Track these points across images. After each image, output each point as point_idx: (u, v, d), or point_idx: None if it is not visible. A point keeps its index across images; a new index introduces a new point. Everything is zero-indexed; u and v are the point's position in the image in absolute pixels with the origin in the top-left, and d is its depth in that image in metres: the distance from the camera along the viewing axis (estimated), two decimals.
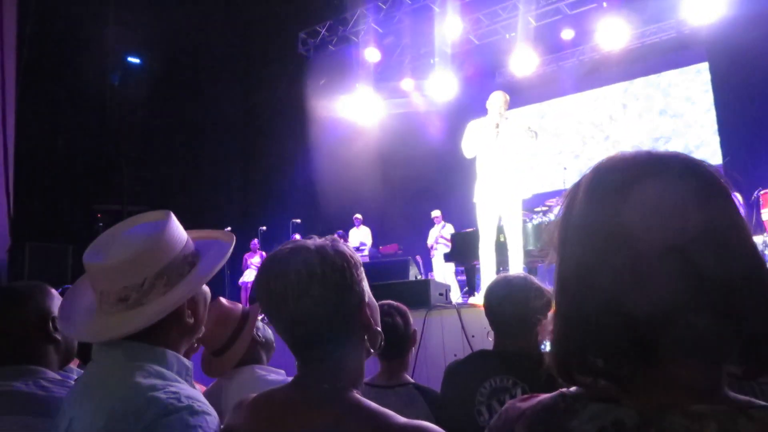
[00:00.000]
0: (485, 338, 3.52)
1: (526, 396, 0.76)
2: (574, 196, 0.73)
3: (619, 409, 0.65)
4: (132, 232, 1.23)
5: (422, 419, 1.97)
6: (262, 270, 1.06)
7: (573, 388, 0.71)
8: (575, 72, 11.50)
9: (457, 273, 9.06)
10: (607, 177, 0.71)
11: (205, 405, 1.08)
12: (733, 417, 0.61)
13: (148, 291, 1.16)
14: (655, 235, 0.63)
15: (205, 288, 1.30)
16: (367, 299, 1.09)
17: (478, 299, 5.06)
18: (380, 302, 1.47)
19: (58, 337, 1.55)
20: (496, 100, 5.08)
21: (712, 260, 0.62)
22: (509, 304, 1.95)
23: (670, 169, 0.67)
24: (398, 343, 2.11)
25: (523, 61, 10.31)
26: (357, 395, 1.03)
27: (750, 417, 0.61)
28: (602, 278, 0.66)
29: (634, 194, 0.66)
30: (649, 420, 0.63)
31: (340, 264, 1.03)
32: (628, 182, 0.67)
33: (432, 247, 9.93)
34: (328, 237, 1.10)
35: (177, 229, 1.25)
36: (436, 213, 10.03)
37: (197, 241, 1.32)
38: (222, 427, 1.09)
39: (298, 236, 10.19)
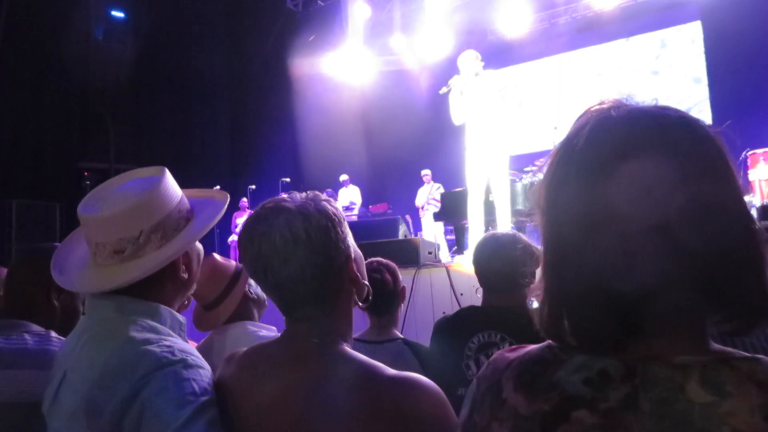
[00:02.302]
0: (474, 296, 3.57)
1: (514, 347, 0.77)
2: (563, 158, 0.72)
3: (605, 360, 0.66)
4: (128, 186, 1.23)
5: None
6: (244, 234, 1.05)
7: None
8: (568, 30, 11.35)
9: (446, 233, 9.11)
10: (594, 150, 0.68)
11: (199, 359, 1.10)
12: (716, 367, 0.62)
13: (144, 244, 1.16)
14: (639, 214, 0.63)
15: (199, 245, 1.31)
16: (353, 255, 1.09)
17: (467, 258, 5.11)
18: (369, 259, 1.48)
19: (56, 303, 1.56)
20: (465, 58, 5.07)
21: (697, 239, 0.62)
22: (497, 261, 1.97)
23: (658, 143, 0.65)
24: (387, 298, 2.14)
25: (516, 18, 10.16)
26: (346, 348, 1.04)
27: (732, 367, 0.62)
28: (586, 257, 0.66)
29: (618, 172, 0.64)
30: (633, 371, 0.64)
31: (324, 224, 1.03)
32: (613, 159, 0.66)
33: (422, 207, 9.93)
34: (309, 193, 1.09)
35: (172, 185, 1.25)
36: (425, 172, 10.01)
37: (192, 199, 1.32)
38: (214, 379, 1.11)
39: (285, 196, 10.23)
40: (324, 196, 1.10)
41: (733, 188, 0.65)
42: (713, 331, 0.67)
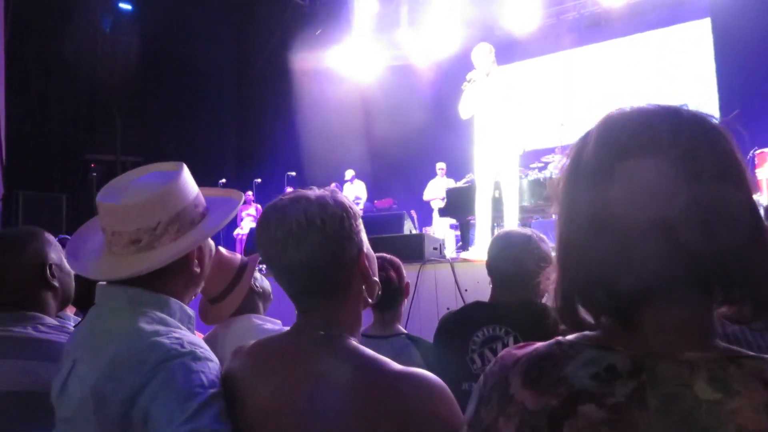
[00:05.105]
0: (478, 292, 3.57)
1: (522, 344, 0.78)
2: (575, 156, 0.73)
3: (613, 355, 0.67)
4: (147, 178, 1.25)
5: (415, 367, 2.01)
6: (262, 218, 1.07)
7: (569, 336, 0.73)
8: (575, 26, 11.30)
9: (452, 227, 9.07)
10: (601, 148, 0.69)
11: (208, 351, 1.11)
12: (723, 365, 0.62)
13: (160, 235, 1.18)
14: (641, 212, 0.63)
15: (210, 241, 1.33)
16: (365, 250, 1.10)
17: (472, 254, 5.12)
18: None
19: (56, 283, 1.57)
20: (478, 52, 5.04)
21: (699, 237, 0.62)
22: (508, 260, 1.97)
23: (665, 141, 0.65)
24: (392, 295, 2.15)
25: (523, 13, 10.13)
26: (353, 342, 1.05)
27: (739, 365, 0.62)
28: (589, 255, 0.67)
29: (622, 170, 0.65)
30: (641, 366, 0.65)
31: (339, 214, 1.05)
32: (617, 157, 0.67)
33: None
34: (328, 188, 1.11)
35: (190, 181, 1.28)
36: (441, 165, 9.75)
37: (207, 197, 1.34)
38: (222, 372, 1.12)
39: (291, 190, 10.19)
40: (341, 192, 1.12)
41: (742, 187, 0.65)
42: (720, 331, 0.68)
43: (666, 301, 0.65)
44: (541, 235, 2.09)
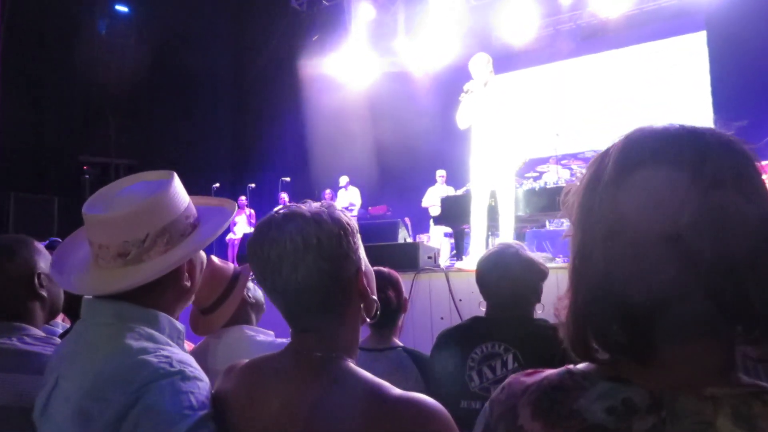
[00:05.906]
0: (472, 302, 3.54)
1: (530, 371, 0.74)
2: (596, 171, 0.70)
3: (630, 388, 0.63)
4: (135, 188, 1.19)
5: (412, 381, 1.98)
6: (255, 237, 1.02)
7: (580, 365, 0.70)
8: (572, 37, 11.36)
9: (448, 235, 9.04)
10: (620, 161, 0.68)
11: (197, 371, 1.06)
12: (747, 401, 0.60)
13: (149, 248, 1.12)
14: (651, 221, 0.61)
15: (202, 253, 1.27)
16: (363, 267, 1.05)
17: (466, 263, 5.09)
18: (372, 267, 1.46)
19: (44, 293, 1.53)
20: (476, 62, 5.03)
21: (710, 246, 0.60)
22: (502, 279, 1.94)
23: (684, 151, 0.64)
24: (391, 315, 2.11)
25: (520, 23, 10.16)
26: (351, 364, 1.01)
27: (764, 401, 0.59)
28: (599, 265, 0.65)
29: (632, 179, 0.64)
30: (660, 401, 0.61)
31: (336, 232, 1.00)
32: (630, 167, 0.65)
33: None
34: (324, 202, 1.06)
35: (180, 190, 1.22)
36: (441, 173, 9.68)
37: (199, 206, 1.29)
38: (212, 391, 1.07)
39: (285, 195, 10.12)
40: (338, 206, 1.07)
41: (759, 199, 0.63)
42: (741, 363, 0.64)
43: (675, 316, 0.62)
44: (523, 245, 2.07)
